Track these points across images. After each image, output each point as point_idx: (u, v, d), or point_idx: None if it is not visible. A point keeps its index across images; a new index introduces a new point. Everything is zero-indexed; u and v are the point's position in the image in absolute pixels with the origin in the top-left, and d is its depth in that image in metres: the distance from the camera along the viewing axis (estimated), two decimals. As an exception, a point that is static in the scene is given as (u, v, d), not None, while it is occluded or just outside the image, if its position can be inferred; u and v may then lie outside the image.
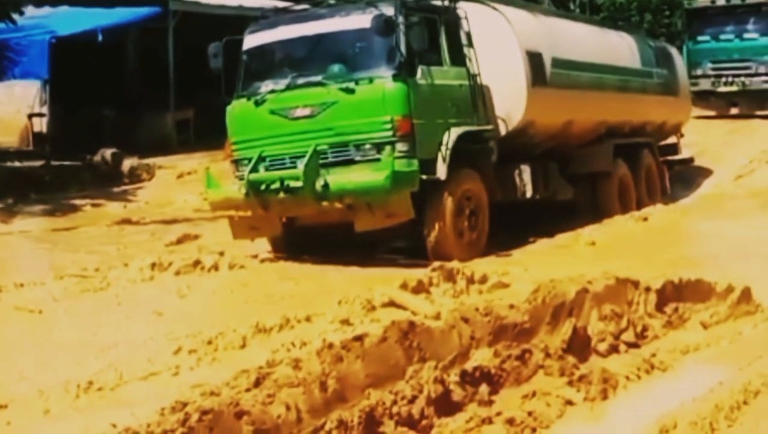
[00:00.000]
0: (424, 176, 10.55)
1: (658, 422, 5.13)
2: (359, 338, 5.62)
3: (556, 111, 13.19)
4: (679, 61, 18.55)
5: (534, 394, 5.33)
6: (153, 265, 9.16)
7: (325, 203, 10.49)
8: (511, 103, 12.37)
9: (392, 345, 5.61)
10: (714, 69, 23.74)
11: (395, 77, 10.78)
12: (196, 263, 9.57)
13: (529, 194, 12.55)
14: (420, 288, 7.83)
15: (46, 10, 20.48)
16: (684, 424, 5.11)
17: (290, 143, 10.93)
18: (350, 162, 10.75)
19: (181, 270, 9.17)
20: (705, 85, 23.59)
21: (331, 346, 5.47)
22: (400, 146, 10.63)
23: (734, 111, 23.47)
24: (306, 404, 4.92)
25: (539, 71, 12.82)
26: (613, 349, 6.63)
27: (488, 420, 4.98)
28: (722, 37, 24.01)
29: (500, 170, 12.23)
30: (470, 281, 7.93)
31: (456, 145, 11.06)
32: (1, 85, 19.45)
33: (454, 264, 8.45)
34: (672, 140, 17.61)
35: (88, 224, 13.07)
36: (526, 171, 12.65)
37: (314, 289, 8.72)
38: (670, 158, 17.47)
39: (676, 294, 7.53)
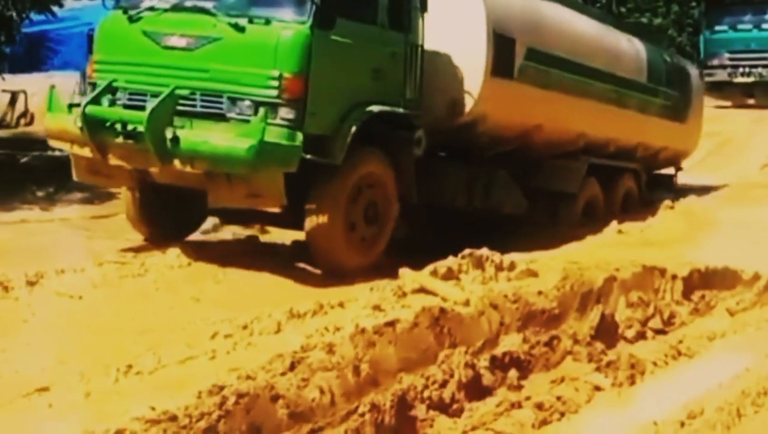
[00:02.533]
0: (308, 156, 8.29)
1: (685, 407, 5.12)
2: (391, 323, 5.64)
3: (520, 110, 11.05)
4: (696, 84, 15.89)
5: (562, 379, 5.33)
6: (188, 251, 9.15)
7: (177, 163, 8.27)
8: (461, 90, 10.28)
9: (423, 331, 5.63)
10: (731, 59, 23.40)
11: (301, 24, 8.47)
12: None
13: (459, 201, 10.66)
14: (449, 275, 7.79)
15: (84, 2, 20.57)
16: (711, 410, 5.10)
17: (156, 77, 8.66)
18: (221, 118, 8.47)
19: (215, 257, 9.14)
20: (721, 75, 23.20)
21: (363, 331, 5.49)
22: (284, 112, 8.37)
23: (751, 102, 23.17)
24: (340, 388, 4.94)
25: (505, 60, 10.56)
26: (641, 336, 6.63)
27: (518, 405, 4.99)
28: (740, 27, 23.61)
29: (428, 166, 10.06)
30: (499, 268, 7.89)
31: (366, 125, 8.83)
32: (41, 76, 19.55)
33: (484, 251, 8.37)
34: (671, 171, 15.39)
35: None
36: (459, 174, 10.68)
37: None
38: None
39: (703, 282, 7.51)
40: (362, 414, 4.61)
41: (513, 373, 5.38)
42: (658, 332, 6.77)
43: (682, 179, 15.58)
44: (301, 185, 8.56)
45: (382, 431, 4.60)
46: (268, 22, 8.55)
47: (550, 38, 11.59)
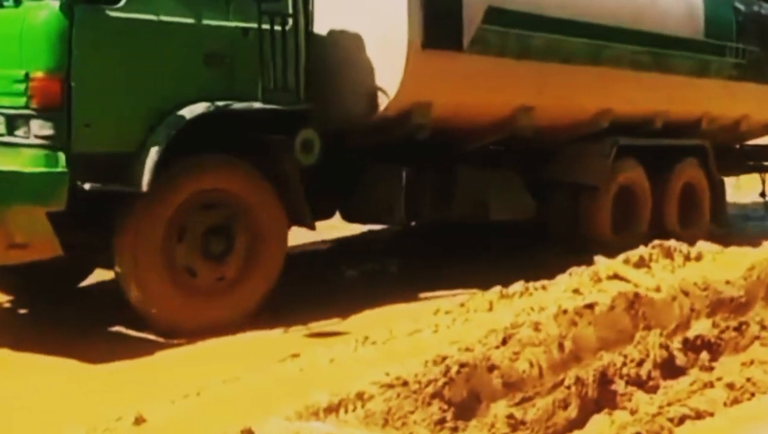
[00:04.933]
0: (88, 186, 5.49)
1: None
2: (590, 306, 5.48)
3: (487, 91, 7.76)
4: None
5: (752, 362, 5.03)
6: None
7: None
8: (382, 74, 7.03)
9: (619, 313, 5.45)
10: None
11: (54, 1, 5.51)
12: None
13: (397, 215, 7.51)
14: (641, 263, 7.52)
15: None
16: None
17: None
18: None
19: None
20: None
21: (566, 312, 5.36)
22: (37, 127, 5.52)
23: None
24: (546, 362, 4.83)
25: (446, 26, 7.22)
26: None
27: (710, 384, 4.73)
28: None
29: (356, 174, 7.43)
30: (687, 258, 7.57)
31: (198, 131, 5.93)
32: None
33: (672, 242, 7.96)
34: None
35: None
36: (394, 180, 7.45)
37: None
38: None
39: None
40: (568, 386, 4.48)
41: (704, 355, 5.12)
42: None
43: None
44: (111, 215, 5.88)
45: (586, 402, 4.46)
46: (18, 1, 5.73)
47: None
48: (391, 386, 4.33)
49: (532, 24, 8.01)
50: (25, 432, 4.73)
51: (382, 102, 7.08)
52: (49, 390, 5.27)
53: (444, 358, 4.63)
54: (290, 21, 6.53)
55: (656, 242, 7.73)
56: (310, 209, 6.68)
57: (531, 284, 6.96)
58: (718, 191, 10.48)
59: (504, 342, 4.99)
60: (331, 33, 7.14)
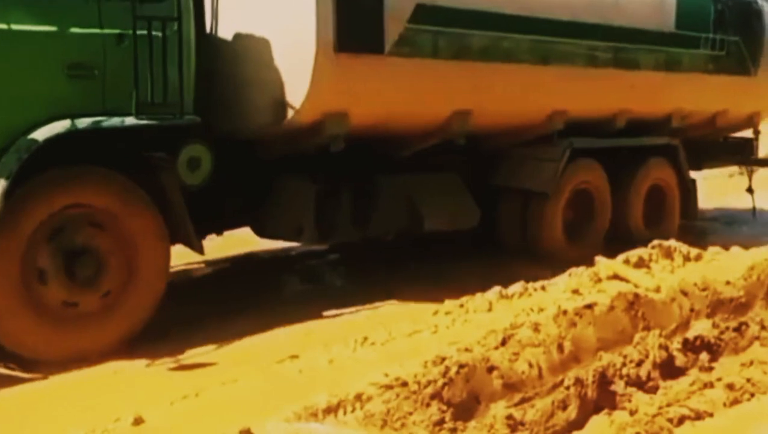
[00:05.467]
0: None
1: None
2: (590, 306, 5.47)
3: (416, 96, 7.04)
4: None
5: (751, 363, 5.02)
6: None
7: None
8: (289, 80, 6.36)
9: (619, 314, 5.44)
10: None
11: None
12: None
13: (307, 236, 6.91)
14: (641, 264, 7.51)
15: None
16: None
17: None
18: None
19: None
20: None
21: (565, 312, 5.35)
22: None
23: None
24: (546, 362, 4.82)
25: (365, 27, 6.51)
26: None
27: (710, 385, 4.73)
28: None
29: (250, 186, 6.81)
30: (686, 258, 7.56)
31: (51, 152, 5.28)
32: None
33: (672, 242, 7.94)
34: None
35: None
36: (300, 195, 6.87)
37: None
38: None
39: None
40: (567, 387, 4.47)
41: (704, 355, 5.11)
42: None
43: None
44: None
45: (586, 403, 4.45)
46: None
47: None
48: (390, 387, 4.32)
49: (468, 22, 7.28)
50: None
51: (289, 111, 6.38)
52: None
53: (443, 359, 4.62)
54: (174, 25, 5.78)
55: (656, 242, 7.72)
56: (219, 225, 6.67)
57: (530, 285, 6.95)
58: (690, 191, 9.84)
59: (503, 342, 4.99)
60: (237, 37, 6.45)
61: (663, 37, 9.08)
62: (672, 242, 8.09)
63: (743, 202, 11.04)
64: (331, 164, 7.01)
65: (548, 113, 8.23)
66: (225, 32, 6.53)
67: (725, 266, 6.96)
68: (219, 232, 7.12)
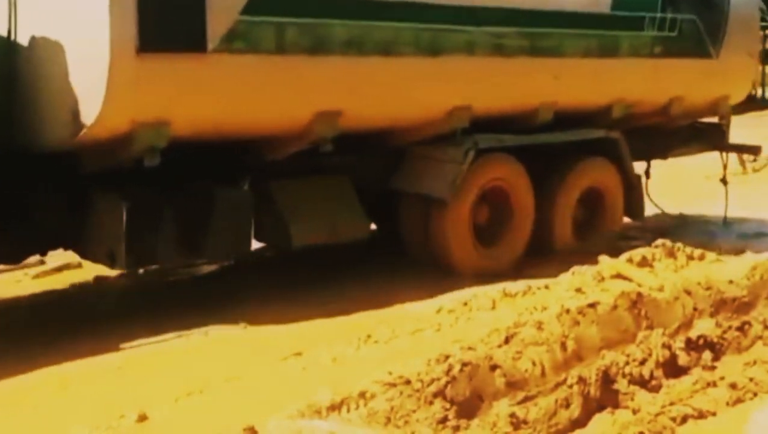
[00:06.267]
0: None
1: None
2: (593, 305, 5.49)
3: (259, 98, 6.21)
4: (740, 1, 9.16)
5: (754, 362, 5.00)
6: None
7: None
8: (84, 87, 5.55)
9: (622, 313, 5.45)
10: None
11: None
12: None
13: (119, 262, 5.91)
14: (644, 263, 7.51)
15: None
16: None
17: None
18: None
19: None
20: None
21: (568, 311, 5.37)
22: None
23: None
24: (549, 361, 4.83)
25: (178, 22, 5.67)
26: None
27: (713, 384, 4.72)
28: None
29: (61, 205, 5.97)
30: (690, 257, 7.55)
31: None
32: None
33: (676, 243, 7.83)
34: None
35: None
36: (109, 214, 5.89)
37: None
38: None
39: None
40: (570, 386, 4.47)
41: (707, 355, 5.10)
42: None
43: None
44: None
45: (589, 401, 4.45)
46: None
47: None
48: (393, 385, 4.33)
49: (324, 10, 6.41)
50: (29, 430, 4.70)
51: (86, 123, 5.56)
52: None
53: (446, 357, 4.63)
54: None
55: (659, 241, 7.71)
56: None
57: (534, 284, 6.96)
58: (635, 188, 8.70)
59: (506, 341, 5.00)
60: (33, 40, 5.70)
61: (595, 20, 7.99)
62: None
63: (713, 207, 9.98)
64: (154, 176, 6.00)
65: (448, 110, 7.22)
66: (23, 35, 5.78)
67: (728, 266, 6.96)
68: (41, 253, 6.39)
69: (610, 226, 8.49)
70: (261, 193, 6.59)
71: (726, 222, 9.65)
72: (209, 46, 5.85)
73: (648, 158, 9.42)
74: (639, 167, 9.19)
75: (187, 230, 6.12)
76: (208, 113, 6.02)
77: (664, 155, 9.53)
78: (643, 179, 9.27)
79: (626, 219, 8.87)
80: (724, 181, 9.79)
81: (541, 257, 7.73)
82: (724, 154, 9.92)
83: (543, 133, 7.90)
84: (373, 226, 7.93)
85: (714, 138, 9.73)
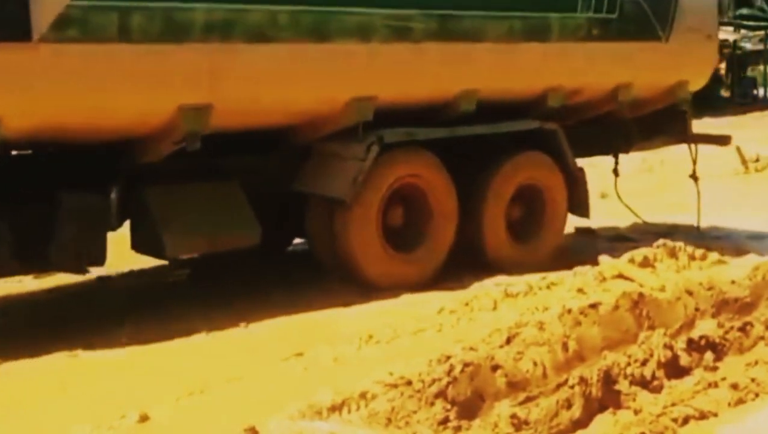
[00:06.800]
0: None
1: None
2: (594, 305, 5.48)
3: (100, 92, 5.65)
4: None
5: (756, 363, 5.00)
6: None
7: None
8: None
9: (624, 313, 5.44)
10: None
11: None
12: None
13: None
14: (645, 263, 7.50)
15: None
16: None
17: None
18: None
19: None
20: None
21: (570, 311, 5.36)
22: None
23: None
24: (550, 361, 4.83)
25: None
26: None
27: (714, 384, 4.72)
28: None
29: None
30: (691, 258, 7.54)
31: None
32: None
33: (678, 243, 7.86)
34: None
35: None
36: None
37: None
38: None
39: None
40: (572, 386, 4.47)
41: (709, 355, 5.09)
42: None
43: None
44: None
45: (590, 402, 4.44)
46: None
47: None
48: (394, 385, 4.33)
49: None
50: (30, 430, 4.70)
51: None
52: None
53: (448, 357, 4.63)
54: None
55: (660, 241, 7.70)
56: None
57: (535, 284, 6.95)
58: (579, 182, 8.00)
59: (508, 341, 4.99)
60: None
61: (518, 0, 7.39)
62: (678, 243, 8.05)
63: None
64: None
65: (346, 102, 6.57)
66: None
67: (730, 266, 6.95)
68: None
69: (553, 225, 7.87)
70: (135, 199, 6.17)
71: (699, 228, 8.99)
72: (35, 35, 5.26)
73: (609, 153, 8.93)
74: (599, 162, 8.78)
75: (29, 240, 5.64)
76: (42, 109, 5.44)
77: (625, 148, 8.99)
78: (613, 178, 8.92)
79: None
80: (693, 177, 9.07)
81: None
82: (692, 146, 9.10)
83: (465, 125, 7.22)
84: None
85: (676, 128, 8.95)
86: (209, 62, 5.99)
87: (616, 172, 9.11)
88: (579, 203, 8.05)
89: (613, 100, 8.17)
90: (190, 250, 6.49)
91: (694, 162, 9.11)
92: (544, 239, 7.87)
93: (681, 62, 8.48)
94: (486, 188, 7.41)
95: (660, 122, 8.91)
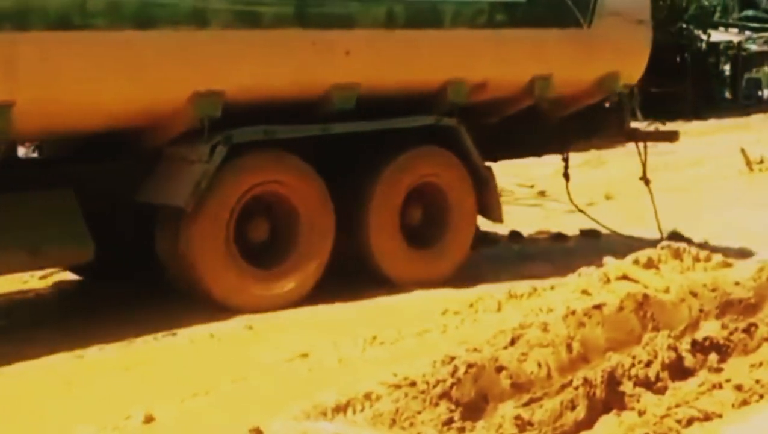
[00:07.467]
0: None
1: None
2: (599, 306, 5.47)
3: None
4: None
5: (761, 364, 5.00)
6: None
7: None
8: None
9: (628, 314, 5.43)
10: None
11: None
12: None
13: None
14: (650, 264, 7.49)
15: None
16: None
17: None
18: None
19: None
20: None
21: (574, 313, 5.35)
22: None
23: None
24: (555, 362, 4.82)
25: None
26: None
27: (718, 386, 4.71)
28: None
29: None
30: (696, 259, 7.53)
31: None
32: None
33: (682, 244, 7.88)
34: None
35: None
36: None
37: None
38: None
39: None
40: (576, 387, 4.46)
41: (713, 356, 5.09)
42: None
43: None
44: None
45: (594, 403, 4.44)
46: None
47: None
48: (399, 386, 4.32)
49: None
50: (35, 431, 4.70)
51: None
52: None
53: (452, 358, 4.62)
54: None
55: (665, 242, 7.69)
56: None
57: (539, 285, 6.94)
58: (487, 182, 7.25)
59: (512, 342, 4.98)
60: None
61: None
62: (681, 244, 8.04)
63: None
64: None
65: (187, 97, 5.82)
66: None
67: (734, 268, 6.94)
68: None
69: (460, 229, 7.12)
70: None
71: (662, 233, 8.26)
72: None
73: (541, 154, 8.24)
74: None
75: None
76: None
77: (559, 149, 8.22)
78: (563, 182, 8.19)
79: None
80: (644, 180, 8.32)
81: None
82: (640, 145, 8.22)
83: (341, 122, 6.45)
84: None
85: (611, 125, 8.16)
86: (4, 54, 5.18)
87: (566, 176, 8.32)
88: (489, 206, 7.31)
89: (530, 96, 7.36)
90: (8, 268, 5.70)
91: (644, 164, 8.32)
92: (451, 244, 7.11)
93: (608, 51, 7.57)
94: (371, 192, 6.60)
95: (596, 119, 8.14)
